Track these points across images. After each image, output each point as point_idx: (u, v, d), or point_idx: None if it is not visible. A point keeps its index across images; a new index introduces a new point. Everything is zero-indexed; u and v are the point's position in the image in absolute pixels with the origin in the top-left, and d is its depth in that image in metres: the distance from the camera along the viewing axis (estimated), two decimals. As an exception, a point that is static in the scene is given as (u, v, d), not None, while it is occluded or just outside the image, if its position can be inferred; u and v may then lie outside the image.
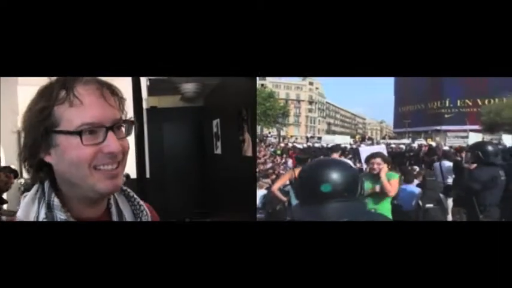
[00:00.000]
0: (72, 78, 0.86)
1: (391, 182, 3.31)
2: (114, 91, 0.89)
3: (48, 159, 0.86)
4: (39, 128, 0.83)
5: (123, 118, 0.88)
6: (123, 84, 1.07)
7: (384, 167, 3.34)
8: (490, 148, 3.48)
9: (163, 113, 6.66)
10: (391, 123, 65.38)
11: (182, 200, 6.22)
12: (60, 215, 0.86)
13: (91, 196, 0.87)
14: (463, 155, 5.89)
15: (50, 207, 0.86)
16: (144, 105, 6.43)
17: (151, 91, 6.01)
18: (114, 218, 0.94)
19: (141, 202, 0.99)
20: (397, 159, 10.57)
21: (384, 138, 35.56)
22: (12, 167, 3.97)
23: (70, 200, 0.89)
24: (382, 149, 5.88)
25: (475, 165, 3.45)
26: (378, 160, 3.36)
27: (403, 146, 16.05)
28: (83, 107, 0.83)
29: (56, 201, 0.87)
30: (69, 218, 0.86)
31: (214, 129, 5.69)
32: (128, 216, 0.96)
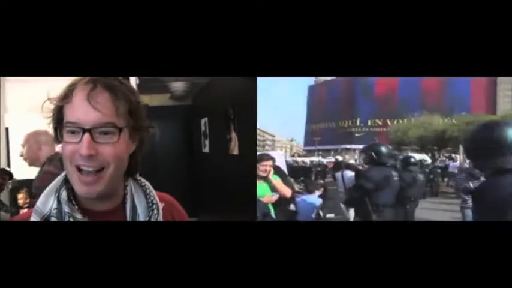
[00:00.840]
0: (83, 78, 0.89)
1: (276, 183, 3.28)
2: (114, 95, 0.88)
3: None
4: (53, 123, 0.90)
5: (116, 123, 0.87)
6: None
7: (271, 170, 3.29)
8: (383, 149, 3.56)
9: (153, 111, 6.61)
10: (302, 141, 64.91)
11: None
12: (65, 208, 0.89)
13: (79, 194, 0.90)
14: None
15: (59, 200, 0.90)
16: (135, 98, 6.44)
17: (141, 89, 5.99)
18: (128, 213, 0.96)
19: (156, 199, 1.00)
20: (301, 172, 10.80)
21: (293, 156, 36.53)
22: (7, 169, 3.94)
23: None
24: (279, 155, 5.90)
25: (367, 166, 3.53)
26: (269, 163, 3.31)
27: (307, 161, 16.46)
28: (71, 106, 0.86)
29: (63, 194, 0.90)
30: (74, 211, 0.89)
31: (203, 128, 5.69)
32: (142, 214, 0.97)
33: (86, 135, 0.84)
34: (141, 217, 0.96)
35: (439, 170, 13.35)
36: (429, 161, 17.50)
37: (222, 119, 4.45)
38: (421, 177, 5.44)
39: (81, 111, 0.85)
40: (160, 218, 0.98)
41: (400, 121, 32.48)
